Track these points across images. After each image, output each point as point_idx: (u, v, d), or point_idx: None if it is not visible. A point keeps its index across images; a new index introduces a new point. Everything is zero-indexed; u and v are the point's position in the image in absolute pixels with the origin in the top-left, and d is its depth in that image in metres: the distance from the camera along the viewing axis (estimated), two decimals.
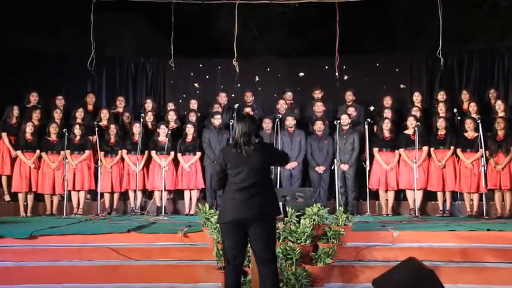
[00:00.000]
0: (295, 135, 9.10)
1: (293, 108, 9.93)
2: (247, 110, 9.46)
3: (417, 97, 9.72)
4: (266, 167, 4.56)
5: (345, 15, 9.20)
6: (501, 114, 8.86)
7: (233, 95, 10.52)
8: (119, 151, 9.22)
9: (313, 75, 10.91)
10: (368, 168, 8.87)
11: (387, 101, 9.68)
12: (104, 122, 9.53)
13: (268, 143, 4.91)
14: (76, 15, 10.22)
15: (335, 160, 8.83)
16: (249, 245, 4.48)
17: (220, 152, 4.75)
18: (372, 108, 10.39)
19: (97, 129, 9.17)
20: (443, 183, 8.77)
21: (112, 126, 9.28)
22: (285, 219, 5.40)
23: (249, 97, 10.01)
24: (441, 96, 9.58)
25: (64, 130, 8.92)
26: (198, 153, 9.15)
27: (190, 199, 9.16)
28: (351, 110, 9.51)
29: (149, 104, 9.95)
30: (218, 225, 5.67)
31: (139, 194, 9.10)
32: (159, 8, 9.67)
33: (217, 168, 4.56)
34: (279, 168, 8.63)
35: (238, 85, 10.76)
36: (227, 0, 9.31)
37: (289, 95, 10.07)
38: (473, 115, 8.91)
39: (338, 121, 8.99)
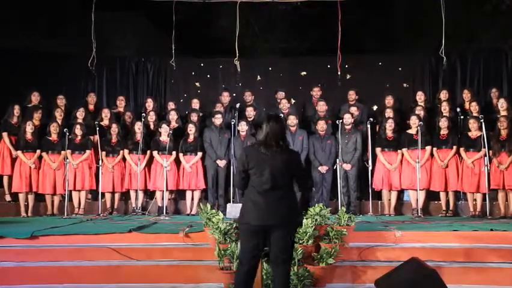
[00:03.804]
0: (298, 135, 9.05)
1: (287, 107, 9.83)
2: (249, 109, 9.43)
3: (420, 96, 9.66)
4: (289, 172, 4.38)
5: (347, 14, 9.16)
6: (503, 113, 8.77)
7: (234, 95, 10.48)
8: (121, 151, 9.19)
9: (315, 74, 10.86)
10: (370, 168, 8.83)
11: (389, 101, 9.62)
12: (105, 122, 9.51)
13: (296, 151, 4.85)
14: (76, 15, 10.23)
15: (337, 160, 8.78)
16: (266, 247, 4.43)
17: (242, 150, 4.63)
18: (375, 107, 10.34)
19: (98, 129, 9.14)
20: (446, 183, 8.72)
21: (114, 126, 9.25)
22: None
23: (248, 97, 9.95)
24: (443, 95, 9.51)
25: (64, 130, 8.90)
26: (199, 153, 9.12)
27: (192, 199, 9.12)
28: (354, 110, 9.45)
29: (150, 104, 9.93)
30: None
31: (141, 194, 9.08)
32: (160, 7, 9.64)
33: (239, 168, 4.47)
34: None
35: (240, 84, 10.74)
36: None
37: (280, 93, 10.00)
38: (475, 114, 8.86)
39: (341, 120, 8.94)
